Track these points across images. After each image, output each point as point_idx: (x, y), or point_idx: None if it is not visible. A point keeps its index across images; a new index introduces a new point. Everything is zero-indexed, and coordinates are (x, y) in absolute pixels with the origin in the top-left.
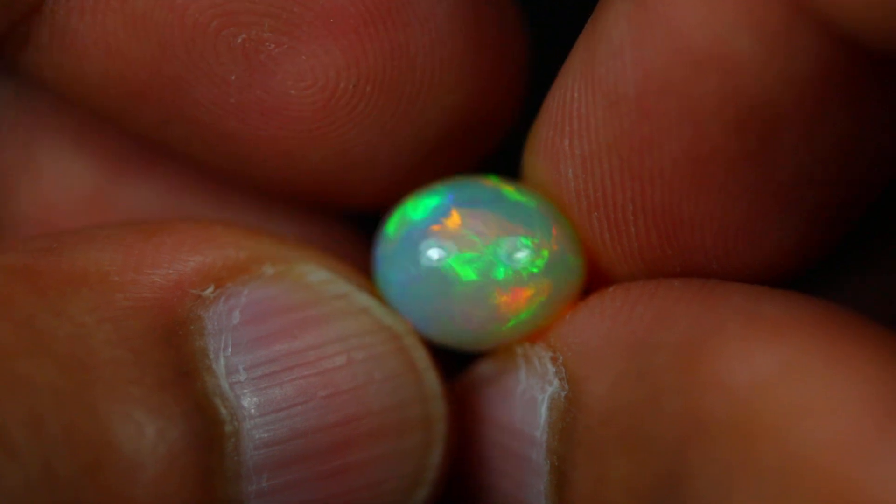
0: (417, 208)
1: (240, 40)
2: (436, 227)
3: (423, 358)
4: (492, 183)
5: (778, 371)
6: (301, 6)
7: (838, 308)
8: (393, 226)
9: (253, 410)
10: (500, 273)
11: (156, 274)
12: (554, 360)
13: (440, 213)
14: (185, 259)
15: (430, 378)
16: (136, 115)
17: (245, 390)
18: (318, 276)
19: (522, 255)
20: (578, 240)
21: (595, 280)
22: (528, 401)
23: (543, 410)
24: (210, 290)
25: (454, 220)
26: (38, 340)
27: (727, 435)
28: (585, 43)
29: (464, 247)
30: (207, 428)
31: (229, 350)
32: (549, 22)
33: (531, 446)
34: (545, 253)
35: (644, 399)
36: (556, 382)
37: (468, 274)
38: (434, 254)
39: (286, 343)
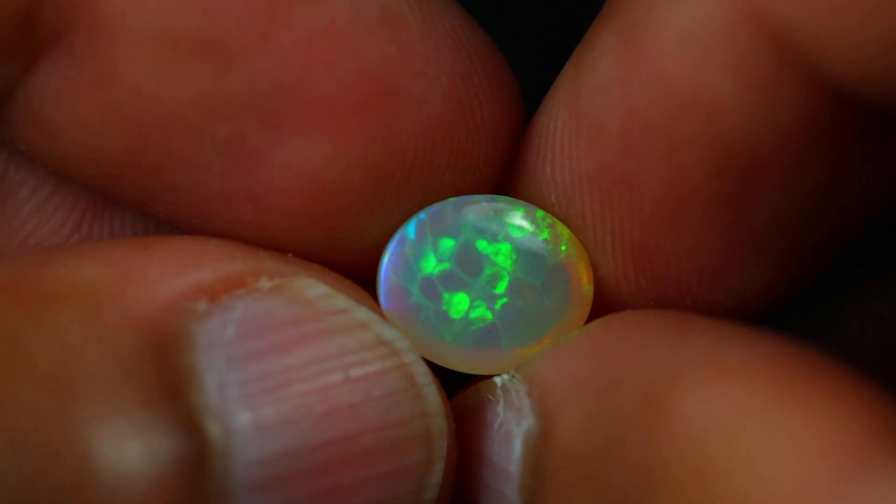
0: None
1: (222, 133)
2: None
3: (424, 374)
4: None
5: (735, 419)
6: (286, 99)
7: (809, 350)
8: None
9: (245, 428)
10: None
11: (145, 288)
12: (530, 394)
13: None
14: (177, 272)
15: (431, 394)
16: (116, 193)
17: (237, 407)
18: (317, 291)
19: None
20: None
21: None
22: (505, 435)
23: (518, 446)
24: (203, 304)
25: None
26: (21, 358)
27: (684, 484)
28: (571, 73)
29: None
30: (196, 446)
31: (222, 366)
32: (534, 48)
33: (505, 481)
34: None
35: (608, 442)
36: (531, 418)
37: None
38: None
39: (282, 359)
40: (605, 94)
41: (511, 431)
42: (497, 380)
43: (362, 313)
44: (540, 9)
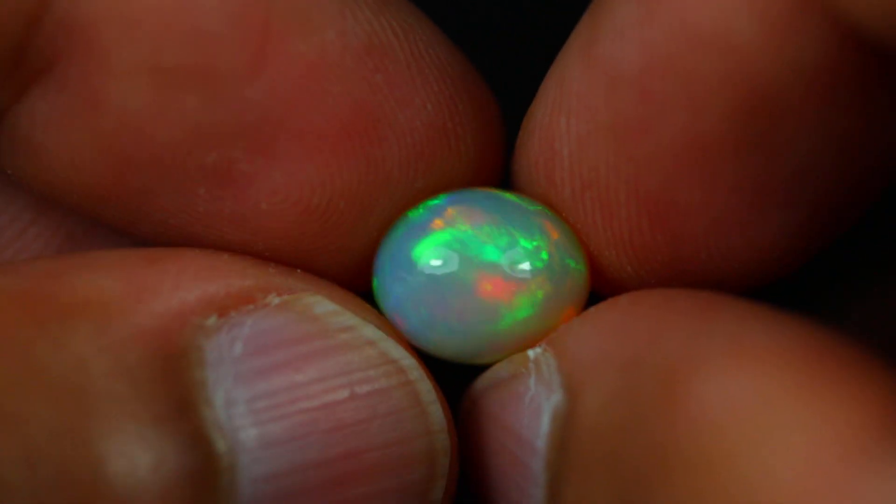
0: (417, 209)
1: (210, 159)
2: (430, 225)
3: (428, 391)
4: (493, 190)
5: (750, 406)
6: (275, 127)
7: (833, 336)
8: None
9: (251, 444)
10: (488, 260)
11: (157, 302)
12: (560, 369)
13: (436, 213)
14: (187, 287)
15: (435, 412)
16: (102, 216)
17: (244, 423)
18: (325, 308)
19: (517, 251)
20: (581, 246)
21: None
22: (535, 408)
23: (546, 420)
24: (212, 319)
25: (449, 214)
26: (36, 373)
27: (696, 468)
28: (587, 24)
29: (454, 239)
30: (204, 461)
31: (230, 382)
32: (517, 73)
33: (532, 455)
34: (544, 255)
35: (626, 421)
36: (559, 393)
37: (452, 264)
38: (424, 249)
39: (289, 376)
40: (622, 39)
41: (541, 406)
42: (530, 353)
43: (369, 331)
44: (524, 33)
